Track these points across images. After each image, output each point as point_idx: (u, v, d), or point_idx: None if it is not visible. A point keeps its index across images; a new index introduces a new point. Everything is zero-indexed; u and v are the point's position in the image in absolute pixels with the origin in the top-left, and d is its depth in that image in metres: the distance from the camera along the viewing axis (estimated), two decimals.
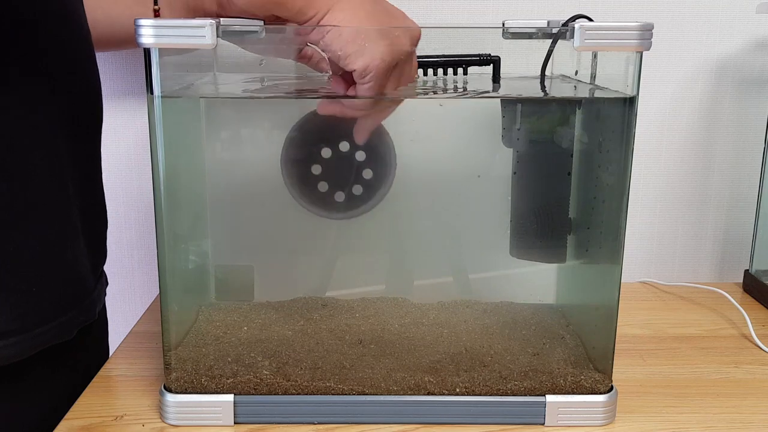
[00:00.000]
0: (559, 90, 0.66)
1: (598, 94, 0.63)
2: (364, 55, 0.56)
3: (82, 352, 0.68)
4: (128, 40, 0.52)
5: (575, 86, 0.66)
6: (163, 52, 0.54)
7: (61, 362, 0.64)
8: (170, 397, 0.60)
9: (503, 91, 0.67)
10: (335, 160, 0.66)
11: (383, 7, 0.60)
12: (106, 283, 0.71)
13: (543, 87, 0.64)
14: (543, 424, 0.61)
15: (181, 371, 0.61)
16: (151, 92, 0.55)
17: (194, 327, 0.68)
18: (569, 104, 0.64)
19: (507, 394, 0.61)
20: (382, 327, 0.68)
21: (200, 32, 0.51)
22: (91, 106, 0.65)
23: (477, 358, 0.63)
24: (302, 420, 0.61)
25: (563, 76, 0.67)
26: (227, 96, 0.67)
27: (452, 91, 0.65)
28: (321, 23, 0.57)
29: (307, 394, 0.61)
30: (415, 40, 0.59)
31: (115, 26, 0.73)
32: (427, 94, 0.64)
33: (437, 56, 0.64)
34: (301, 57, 0.70)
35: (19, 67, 0.55)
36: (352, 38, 0.56)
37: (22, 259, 0.57)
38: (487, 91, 0.65)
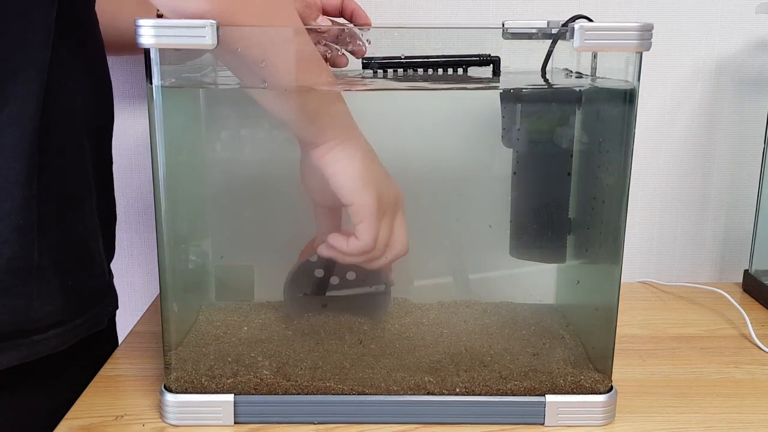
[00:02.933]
0: (559, 83, 0.66)
1: (598, 85, 0.63)
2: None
3: (111, 344, 0.75)
4: (132, 45, 0.53)
5: (575, 76, 0.66)
6: (163, 52, 0.54)
7: (91, 353, 0.69)
8: (170, 397, 0.60)
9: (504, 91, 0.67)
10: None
11: (377, 168, 0.62)
12: (113, 277, 0.73)
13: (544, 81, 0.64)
14: (543, 424, 0.61)
15: (181, 371, 0.61)
16: (151, 83, 0.55)
17: (194, 327, 0.68)
18: (569, 103, 0.64)
19: (507, 394, 0.61)
20: (382, 327, 0.68)
21: (200, 32, 0.51)
22: (106, 108, 0.69)
23: (477, 358, 0.64)
24: (302, 420, 0.61)
25: (565, 69, 0.67)
26: (227, 86, 0.67)
27: (450, 76, 0.65)
28: (324, 158, 0.60)
29: (307, 394, 0.61)
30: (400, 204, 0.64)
31: (121, 29, 0.74)
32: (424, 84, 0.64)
33: (437, 56, 0.64)
34: None
35: (62, 73, 0.60)
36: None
37: (64, 254, 0.61)
38: (487, 79, 0.65)
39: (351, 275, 0.69)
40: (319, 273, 0.69)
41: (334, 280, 0.69)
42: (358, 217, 0.61)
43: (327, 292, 0.69)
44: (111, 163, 0.71)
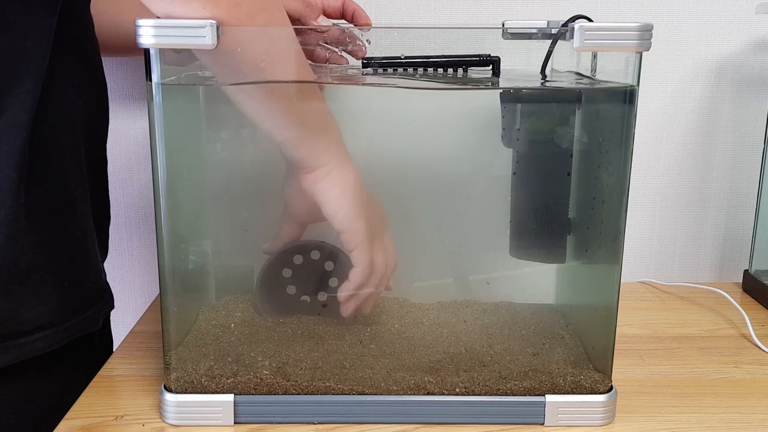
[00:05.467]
0: (559, 83, 0.66)
1: (598, 85, 0.63)
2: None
3: (107, 343, 0.75)
4: (133, 47, 0.53)
5: (576, 77, 0.66)
6: (162, 52, 0.54)
7: (87, 353, 0.69)
8: (170, 397, 0.60)
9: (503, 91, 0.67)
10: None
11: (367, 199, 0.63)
12: (106, 276, 0.73)
13: (544, 80, 0.64)
14: (543, 424, 0.61)
15: (181, 371, 0.61)
16: (150, 80, 0.55)
17: (194, 327, 0.68)
18: (569, 103, 0.64)
19: (507, 394, 0.61)
20: (382, 327, 0.68)
21: (200, 32, 0.51)
22: (102, 110, 0.69)
23: (477, 358, 0.64)
24: (302, 420, 0.61)
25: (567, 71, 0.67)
26: (227, 84, 0.67)
27: (450, 77, 0.65)
28: (318, 184, 0.60)
29: (307, 394, 0.61)
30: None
31: (120, 32, 0.75)
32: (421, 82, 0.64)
33: (437, 56, 0.64)
34: (315, 60, 0.70)
35: (63, 76, 0.61)
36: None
37: (59, 256, 0.61)
38: (488, 78, 0.65)
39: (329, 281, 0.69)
40: (287, 273, 0.69)
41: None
42: (351, 244, 0.61)
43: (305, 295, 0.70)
44: (106, 163, 0.71)
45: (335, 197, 0.60)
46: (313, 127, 0.60)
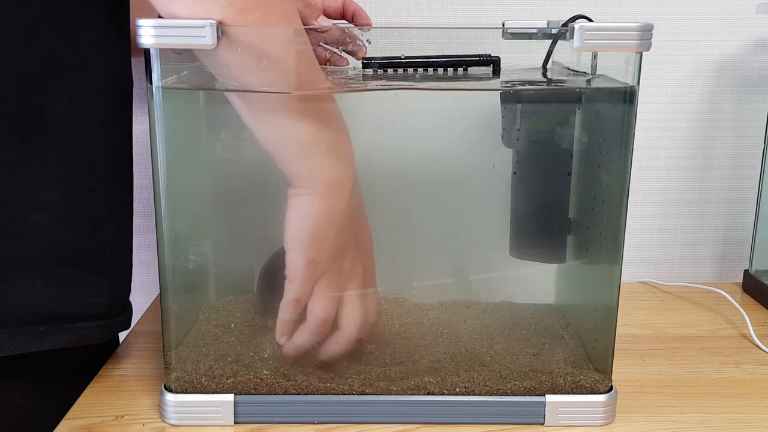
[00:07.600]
0: (559, 83, 0.66)
1: (598, 84, 0.63)
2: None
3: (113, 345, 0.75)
4: (133, 48, 0.54)
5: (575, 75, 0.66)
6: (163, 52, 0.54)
7: (92, 353, 0.70)
8: (170, 397, 0.60)
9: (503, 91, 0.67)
10: None
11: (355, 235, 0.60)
12: None
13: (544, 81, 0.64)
14: (543, 423, 0.61)
15: (181, 371, 0.61)
16: (151, 83, 0.55)
17: (194, 327, 0.68)
18: (569, 103, 0.64)
19: (507, 394, 0.61)
20: (382, 327, 0.68)
21: (201, 32, 0.51)
22: (128, 106, 0.72)
23: (477, 358, 0.64)
24: (302, 420, 0.61)
25: (564, 68, 0.67)
26: (227, 88, 0.67)
27: (451, 76, 0.65)
28: (291, 199, 0.57)
29: (307, 394, 0.61)
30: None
31: None
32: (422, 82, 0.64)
33: (437, 56, 0.64)
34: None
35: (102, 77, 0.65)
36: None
37: (110, 253, 0.66)
38: (488, 79, 0.65)
39: None
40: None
41: None
42: (288, 273, 0.59)
43: None
44: (131, 160, 0.73)
45: (290, 219, 0.57)
46: (301, 148, 0.56)
